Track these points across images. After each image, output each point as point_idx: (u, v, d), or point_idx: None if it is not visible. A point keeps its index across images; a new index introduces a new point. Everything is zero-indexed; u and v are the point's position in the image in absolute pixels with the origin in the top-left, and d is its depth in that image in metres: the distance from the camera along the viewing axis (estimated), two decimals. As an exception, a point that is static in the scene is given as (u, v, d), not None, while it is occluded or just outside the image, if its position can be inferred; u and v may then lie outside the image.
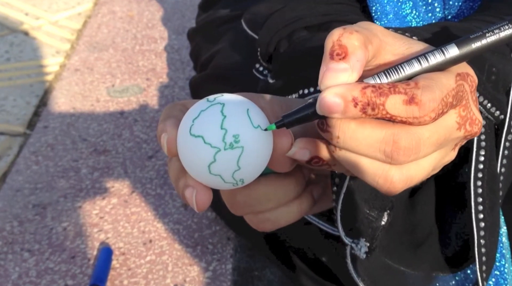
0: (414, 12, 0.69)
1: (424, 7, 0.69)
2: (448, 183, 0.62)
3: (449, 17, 0.70)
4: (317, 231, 0.72)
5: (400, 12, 0.69)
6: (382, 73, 0.40)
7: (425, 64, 0.40)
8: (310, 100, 0.40)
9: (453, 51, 0.40)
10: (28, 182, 1.14)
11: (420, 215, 0.61)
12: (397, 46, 0.42)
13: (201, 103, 0.41)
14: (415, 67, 0.40)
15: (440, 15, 0.70)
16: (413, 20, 0.69)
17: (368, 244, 0.55)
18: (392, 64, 0.41)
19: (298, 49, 0.67)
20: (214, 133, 0.39)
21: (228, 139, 0.39)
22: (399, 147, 0.39)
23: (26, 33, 1.63)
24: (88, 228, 1.05)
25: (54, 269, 0.97)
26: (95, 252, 1.00)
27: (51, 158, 1.20)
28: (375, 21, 0.70)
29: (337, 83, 0.38)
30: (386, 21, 0.69)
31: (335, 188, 0.53)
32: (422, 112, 0.37)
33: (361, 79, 0.39)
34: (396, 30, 0.52)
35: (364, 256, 0.56)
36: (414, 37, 0.52)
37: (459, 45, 0.40)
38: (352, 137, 0.39)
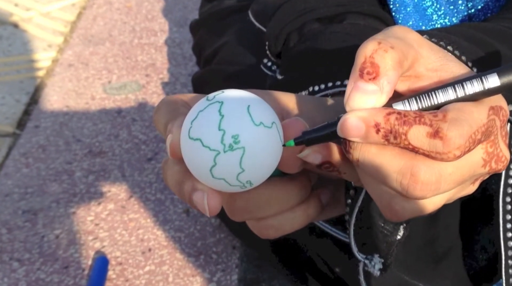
0: (435, 5, 0.69)
1: None
2: (473, 194, 0.62)
3: (473, 10, 0.70)
4: (330, 240, 0.72)
5: (420, 5, 0.69)
6: (413, 99, 0.40)
7: (460, 93, 0.39)
8: (335, 118, 0.41)
9: (493, 81, 0.39)
10: (17, 186, 1.15)
11: (441, 227, 0.61)
12: (432, 60, 0.42)
13: (200, 103, 0.41)
14: (450, 95, 0.40)
15: (463, 7, 0.70)
16: (434, 14, 0.69)
17: (382, 260, 0.55)
18: (424, 82, 0.41)
19: (309, 43, 0.67)
20: (212, 135, 0.39)
21: (227, 141, 0.39)
22: (417, 181, 0.39)
23: (15, 25, 1.64)
24: (82, 236, 1.05)
25: (45, 280, 0.98)
26: (89, 262, 1.00)
27: (42, 160, 1.21)
28: (393, 13, 0.70)
29: (364, 106, 0.39)
30: (404, 14, 0.69)
31: (349, 201, 0.53)
32: (446, 148, 0.37)
33: (390, 101, 0.40)
34: (429, 34, 0.52)
35: (378, 273, 0.56)
36: (449, 47, 0.52)
37: (500, 75, 0.39)
38: (371, 162, 0.40)
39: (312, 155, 0.43)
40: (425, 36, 0.50)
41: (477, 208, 0.62)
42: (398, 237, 0.54)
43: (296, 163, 0.44)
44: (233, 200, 0.46)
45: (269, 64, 0.77)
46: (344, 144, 0.41)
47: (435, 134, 0.37)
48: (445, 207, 0.60)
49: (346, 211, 0.54)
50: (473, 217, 0.62)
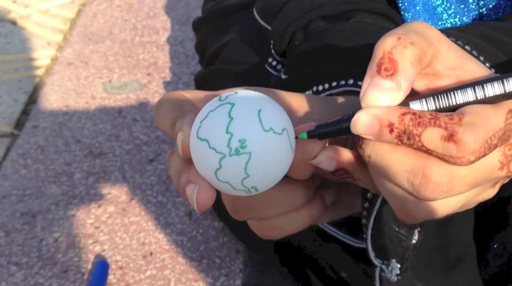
0: (445, 3, 0.69)
1: (456, -3, 0.69)
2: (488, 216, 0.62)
3: (484, 9, 0.70)
4: (336, 244, 0.72)
5: (430, 3, 0.69)
6: (431, 98, 0.40)
7: (480, 95, 0.40)
8: (350, 113, 0.41)
9: None
10: (15, 188, 1.15)
11: (455, 232, 0.61)
12: (450, 59, 0.42)
13: (212, 103, 0.42)
14: (469, 96, 0.40)
15: (473, 6, 0.70)
16: (444, 13, 0.70)
17: (399, 266, 0.55)
18: (442, 80, 0.41)
19: (315, 41, 0.67)
20: (219, 138, 0.40)
21: (234, 144, 0.40)
22: (428, 182, 0.39)
23: (13, 23, 1.64)
24: (82, 239, 1.05)
25: (44, 284, 0.98)
26: (89, 266, 1.01)
27: (41, 161, 1.21)
28: (402, 12, 0.71)
29: (380, 103, 0.39)
30: (413, 12, 0.70)
31: (367, 204, 0.53)
32: (460, 152, 0.38)
33: (407, 99, 0.40)
34: (446, 33, 0.52)
35: (395, 279, 0.56)
36: (467, 47, 0.52)
37: None
38: (383, 160, 0.40)
39: (326, 161, 0.43)
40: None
41: (492, 211, 0.62)
42: (413, 241, 0.54)
43: (307, 170, 0.44)
44: (236, 198, 0.46)
45: (274, 63, 0.77)
46: (356, 139, 0.41)
47: (450, 137, 0.38)
48: (458, 213, 0.60)
49: (363, 214, 0.54)
50: (488, 220, 0.62)
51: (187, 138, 0.42)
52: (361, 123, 0.39)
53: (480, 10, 0.70)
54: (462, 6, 0.70)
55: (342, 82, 0.55)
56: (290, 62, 0.71)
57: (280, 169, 0.42)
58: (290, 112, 0.47)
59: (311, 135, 0.42)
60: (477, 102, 0.40)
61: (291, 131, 0.42)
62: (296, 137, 0.42)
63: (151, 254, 1.03)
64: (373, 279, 0.58)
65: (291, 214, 0.47)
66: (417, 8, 0.69)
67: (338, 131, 0.42)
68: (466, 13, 0.70)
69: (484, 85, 0.40)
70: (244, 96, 0.42)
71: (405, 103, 0.40)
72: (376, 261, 0.56)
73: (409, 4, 0.69)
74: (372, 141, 0.40)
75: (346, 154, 0.44)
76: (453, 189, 0.39)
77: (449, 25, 0.70)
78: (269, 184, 0.42)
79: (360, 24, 0.67)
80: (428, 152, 0.39)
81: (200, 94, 0.49)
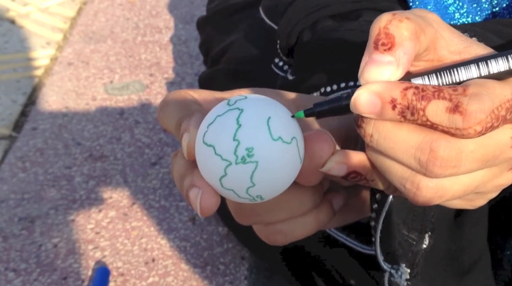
0: (457, 2, 0.70)
1: (469, -4, 0.69)
2: (502, 198, 0.61)
3: (497, 8, 0.70)
4: (344, 250, 0.72)
5: (442, 2, 0.69)
6: (433, 74, 0.40)
7: (484, 71, 0.40)
8: (349, 91, 0.41)
9: None
10: (14, 192, 1.15)
11: (468, 238, 0.61)
12: (455, 43, 0.42)
13: (220, 107, 0.41)
14: (472, 72, 0.40)
15: (486, 5, 0.70)
16: (457, 12, 0.70)
17: (409, 271, 0.55)
18: (446, 64, 0.41)
19: (322, 41, 0.67)
20: (226, 144, 0.40)
21: (240, 152, 0.39)
22: (436, 157, 0.39)
23: (12, 21, 1.65)
24: (82, 245, 1.06)
25: (43, 291, 0.99)
26: (89, 273, 1.01)
27: (40, 164, 1.21)
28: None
29: (379, 78, 0.39)
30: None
31: (375, 206, 0.53)
32: (466, 123, 0.37)
33: (407, 77, 0.40)
34: (453, 27, 0.52)
35: (405, 284, 0.56)
36: (474, 38, 0.52)
37: None
38: (387, 138, 0.40)
39: (337, 167, 0.43)
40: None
41: (505, 213, 0.62)
42: (424, 246, 0.54)
43: (317, 177, 0.44)
44: (241, 203, 0.46)
45: (281, 63, 0.77)
46: (356, 118, 0.41)
47: (455, 109, 0.37)
48: (471, 215, 0.60)
49: (372, 216, 0.54)
50: (502, 224, 0.62)
51: (193, 141, 0.42)
52: (361, 101, 0.39)
53: (494, 9, 0.70)
54: (475, 5, 0.70)
55: (351, 83, 0.55)
56: (297, 62, 0.71)
57: (287, 178, 0.42)
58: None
59: (309, 113, 0.42)
60: (481, 78, 0.40)
61: (301, 139, 0.42)
62: (293, 116, 0.42)
63: (153, 260, 1.03)
64: (382, 284, 0.58)
65: (298, 219, 0.47)
66: (428, 7, 0.69)
67: (337, 109, 0.41)
68: (479, 13, 0.70)
69: (488, 61, 0.40)
70: (254, 101, 0.41)
71: (406, 80, 0.40)
72: (385, 265, 0.56)
73: (420, 3, 0.69)
74: (373, 119, 0.40)
75: (356, 156, 0.44)
76: (461, 164, 0.39)
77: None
78: (274, 193, 0.42)
79: (369, 23, 0.67)
80: (433, 126, 0.38)
81: (207, 94, 0.49)
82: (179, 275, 1.01)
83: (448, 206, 0.46)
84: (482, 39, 0.52)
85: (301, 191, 0.46)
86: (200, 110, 0.44)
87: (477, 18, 0.70)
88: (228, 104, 0.41)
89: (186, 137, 0.43)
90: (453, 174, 0.40)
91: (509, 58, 0.40)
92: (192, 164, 0.43)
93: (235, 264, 1.02)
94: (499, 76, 0.40)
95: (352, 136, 0.49)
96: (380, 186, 0.45)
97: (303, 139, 0.42)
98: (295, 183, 0.44)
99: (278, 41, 0.74)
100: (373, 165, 0.43)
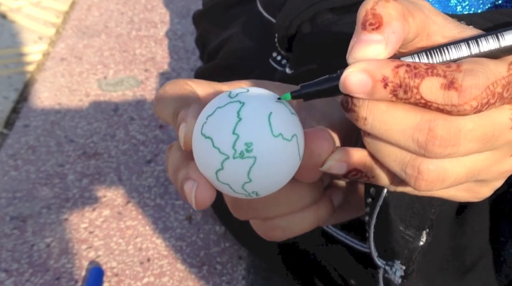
0: (459, -6, 0.70)
1: (471, -13, 0.70)
2: (503, 194, 0.61)
3: (500, 1, 0.70)
4: (345, 249, 0.72)
5: (443, -5, 0.70)
6: (423, 53, 0.40)
7: (475, 50, 0.40)
8: (338, 71, 0.40)
9: (510, 38, 0.40)
10: (5, 190, 1.15)
11: (469, 236, 0.61)
12: (448, 28, 0.41)
13: (220, 98, 0.41)
14: (463, 51, 0.40)
15: (489, -3, 0.70)
16: (459, 5, 0.70)
17: (404, 268, 0.55)
18: (437, 45, 0.41)
19: (322, 34, 0.67)
20: (224, 138, 0.39)
21: (239, 147, 0.39)
22: (435, 136, 0.38)
23: (3, 16, 1.65)
24: (75, 245, 1.05)
25: (35, 292, 0.98)
26: (83, 273, 1.01)
27: (32, 162, 1.21)
28: (414, 4, 0.71)
29: (367, 57, 0.38)
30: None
31: (369, 200, 0.53)
32: (462, 99, 0.37)
33: (396, 57, 0.40)
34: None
35: (400, 280, 0.56)
36: (471, 26, 0.52)
37: None
38: (381, 120, 0.39)
39: (337, 165, 0.43)
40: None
41: (508, 209, 0.62)
42: (421, 243, 0.54)
43: (316, 175, 0.44)
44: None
45: (279, 58, 0.77)
46: (345, 101, 0.40)
47: (450, 85, 0.37)
48: (473, 213, 0.60)
49: (366, 211, 0.54)
50: (503, 220, 0.62)
51: (190, 131, 0.42)
52: (351, 80, 0.38)
53: (496, 2, 0.70)
54: (477, -3, 0.70)
55: None
56: (296, 56, 0.71)
57: (285, 175, 0.42)
58: (297, 108, 0.48)
59: (295, 95, 0.41)
60: (472, 57, 0.40)
61: (301, 136, 0.42)
62: (279, 99, 0.41)
63: (148, 260, 1.03)
64: (376, 281, 0.58)
65: (297, 214, 0.47)
66: (430, 0, 0.69)
67: (324, 91, 0.40)
68: (481, 5, 0.70)
69: (478, 39, 0.40)
70: (256, 95, 0.41)
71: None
72: (379, 261, 0.56)
73: (421, -5, 0.69)
74: (366, 102, 0.39)
75: (356, 153, 0.43)
76: (460, 143, 0.39)
77: (463, 17, 0.71)
78: (271, 190, 0.42)
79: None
80: (428, 104, 0.38)
81: (206, 85, 0.49)
82: (175, 275, 1.01)
83: (453, 199, 0.46)
84: (479, 27, 0.52)
85: (300, 187, 0.46)
86: (198, 101, 0.44)
87: (479, 11, 0.70)
88: (229, 96, 0.41)
89: (184, 128, 0.42)
90: (453, 154, 0.40)
91: (500, 37, 0.40)
92: (188, 156, 0.43)
93: (232, 264, 1.02)
94: (492, 55, 0.40)
95: (354, 132, 0.49)
96: (381, 182, 0.45)
97: (303, 137, 0.42)
98: (293, 179, 0.44)
99: (276, 35, 0.74)
100: (374, 160, 0.43)
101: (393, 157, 0.41)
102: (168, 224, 1.09)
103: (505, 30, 0.40)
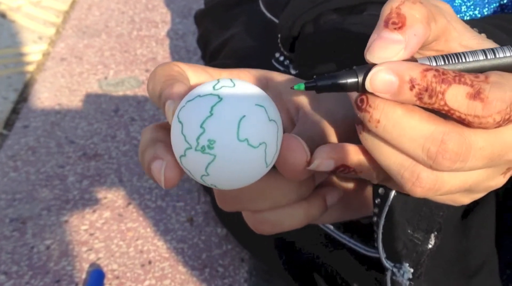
0: (464, -6, 0.70)
1: (475, -12, 0.70)
2: (509, 198, 0.61)
3: (505, 1, 0.70)
4: (348, 253, 0.72)
5: (448, -7, 0.69)
6: (440, 57, 0.40)
7: (491, 57, 0.40)
8: (354, 67, 0.40)
9: None
10: (4, 192, 1.15)
11: (474, 240, 0.61)
12: (467, 37, 0.42)
13: (205, 86, 0.42)
14: (480, 58, 0.40)
15: (494, -3, 0.70)
16: (463, 5, 0.70)
17: (412, 270, 0.55)
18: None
19: (326, 35, 0.67)
20: (192, 128, 0.40)
21: (202, 141, 0.40)
22: (446, 149, 0.39)
23: (3, 15, 1.65)
24: (75, 247, 1.05)
25: (35, 294, 0.98)
26: (84, 275, 1.01)
27: (32, 163, 1.21)
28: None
29: (384, 56, 0.39)
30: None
31: (378, 200, 0.53)
32: (486, 111, 0.37)
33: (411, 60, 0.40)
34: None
35: (408, 283, 0.56)
36: (483, 34, 0.52)
37: None
38: (396, 125, 0.39)
39: (324, 163, 0.43)
40: None
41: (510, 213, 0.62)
42: (429, 246, 0.54)
43: (303, 174, 0.45)
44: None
45: (282, 58, 0.77)
46: (360, 100, 0.40)
47: (476, 95, 0.37)
48: (478, 217, 0.60)
49: (374, 212, 0.54)
50: (507, 225, 0.62)
51: (172, 110, 0.42)
52: (379, 78, 0.38)
53: (501, 2, 0.70)
54: (483, -3, 0.70)
55: None
56: (299, 57, 0.71)
57: (246, 178, 0.42)
58: (302, 108, 0.48)
59: (309, 87, 0.40)
60: (490, 67, 0.40)
61: (273, 144, 0.42)
62: (292, 88, 0.41)
63: (149, 262, 1.03)
64: (384, 283, 0.58)
65: (285, 210, 0.48)
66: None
67: (340, 86, 0.40)
68: (486, 5, 0.70)
69: (495, 49, 0.40)
70: (238, 94, 0.41)
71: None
72: (387, 263, 0.56)
73: (426, -5, 0.69)
74: (383, 104, 0.39)
75: (343, 149, 0.44)
76: (469, 160, 0.39)
77: (468, 17, 0.70)
78: (231, 187, 0.43)
79: (374, 17, 0.67)
80: (450, 112, 0.38)
81: (200, 69, 0.49)
82: (177, 277, 1.01)
83: (433, 199, 0.47)
84: (490, 35, 0.52)
85: (285, 182, 0.46)
86: (182, 81, 0.44)
87: (484, 11, 0.70)
88: (213, 87, 0.41)
89: (171, 104, 0.43)
90: (459, 169, 0.40)
91: None
92: (157, 137, 0.44)
93: (234, 266, 1.02)
94: (509, 67, 0.40)
95: (354, 132, 0.49)
96: (369, 177, 0.46)
97: (277, 144, 0.42)
98: (279, 174, 0.45)
99: (279, 35, 0.74)
100: (367, 156, 0.43)
101: (393, 159, 0.41)
102: (169, 226, 1.09)
103: None
